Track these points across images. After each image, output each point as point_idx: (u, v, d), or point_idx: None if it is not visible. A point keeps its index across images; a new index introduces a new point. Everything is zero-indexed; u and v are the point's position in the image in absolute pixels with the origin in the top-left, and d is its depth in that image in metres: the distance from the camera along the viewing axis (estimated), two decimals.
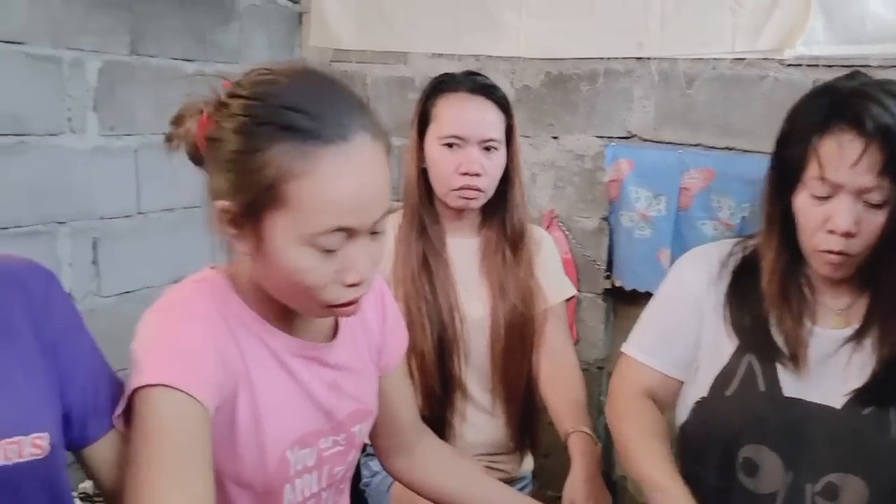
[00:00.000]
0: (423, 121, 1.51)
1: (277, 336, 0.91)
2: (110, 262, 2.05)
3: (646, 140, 2.18)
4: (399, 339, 1.10)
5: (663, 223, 2.15)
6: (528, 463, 1.67)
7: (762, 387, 1.12)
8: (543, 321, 1.55)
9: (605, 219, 2.25)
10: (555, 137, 2.27)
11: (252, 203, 0.81)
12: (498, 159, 1.48)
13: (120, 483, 0.89)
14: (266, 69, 0.85)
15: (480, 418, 1.55)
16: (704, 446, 1.17)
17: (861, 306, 1.11)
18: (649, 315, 1.29)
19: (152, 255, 2.18)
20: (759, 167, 1.16)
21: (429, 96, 1.51)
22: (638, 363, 1.26)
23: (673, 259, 2.15)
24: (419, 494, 1.15)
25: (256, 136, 0.80)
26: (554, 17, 2.23)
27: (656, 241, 2.17)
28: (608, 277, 2.28)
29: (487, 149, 1.47)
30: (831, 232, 1.03)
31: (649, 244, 2.18)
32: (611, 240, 2.26)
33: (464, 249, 1.54)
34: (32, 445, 0.76)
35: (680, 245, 2.15)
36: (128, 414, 0.83)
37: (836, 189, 1.02)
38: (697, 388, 1.18)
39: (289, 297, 0.86)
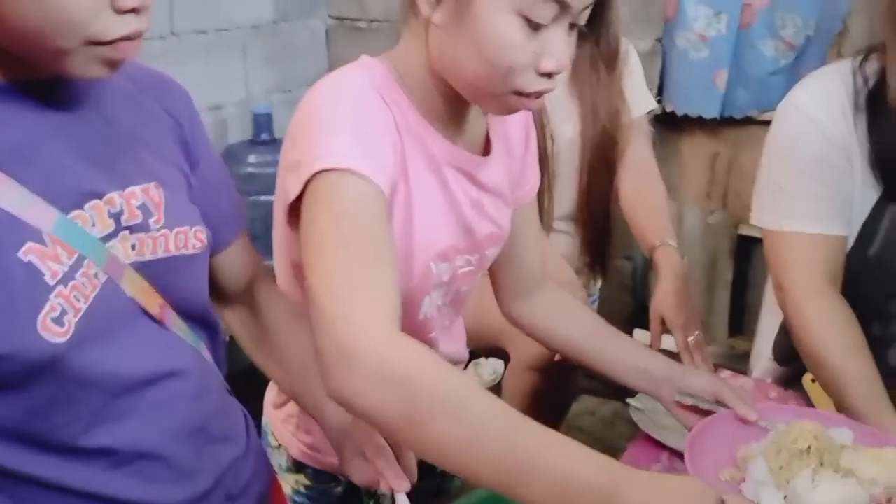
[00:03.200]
0: None
1: (438, 140, 0.85)
2: None
3: None
4: (534, 173, 1.03)
5: (722, 44, 2.07)
6: (598, 283, 1.70)
7: None
8: (627, 135, 1.51)
9: (659, 40, 2.16)
10: None
11: None
12: None
13: (241, 286, 0.92)
14: None
15: (558, 240, 1.55)
16: (853, 301, 1.07)
17: None
18: (800, 179, 1.07)
19: (185, 80, 2.08)
20: None
21: None
22: (809, 237, 1.06)
23: (730, 82, 2.10)
24: (533, 338, 1.10)
25: None
26: None
27: (713, 63, 2.09)
28: (658, 102, 2.22)
29: None
30: None
31: (706, 67, 2.11)
32: (663, 63, 2.18)
33: None
34: (195, 238, 0.76)
35: (738, 67, 2.09)
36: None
37: None
38: None
39: (475, 81, 0.79)
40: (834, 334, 1.03)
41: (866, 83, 1.04)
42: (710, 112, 2.15)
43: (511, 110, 0.83)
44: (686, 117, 2.20)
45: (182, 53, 2.04)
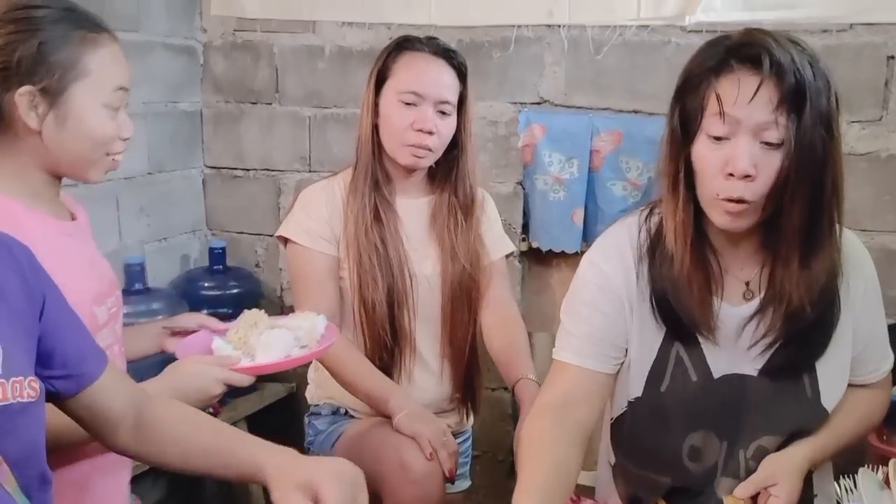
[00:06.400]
0: (380, 77, 1.54)
1: (48, 220, 1.10)
2: None
3: (557, 105, 2.26)
4: None
5: (576, 185, 2.24)
6: (471, 419, 1.73)
7: (694, 376, 1.14)
8: (488, 277, 1.60)
9: (520, 183, 2.32)
10: None
11: (58, 80, 1.04)
12: (450, 123, 1.54)
13: (126, 410, 0.97)
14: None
15: (427, 379, 1.59)
16: (644, 443, 1.18)
17: (763, 276, 1.12)
18: (575, 320, 1.19)
19: None
20: (663, 128, 1.17)
21: (389, 53, 1.54)
22: (568, 365, 1.17)
23: (587, 219, 2.27)
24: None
25: (50, 30, 1.04)
26: None
27: (570, 202, 2.26)
28: (524, 240, 2.35)
29: (442, 112, 1.51)
30: (730, 176, 1.02)
31: (563, 206, 2.27)
32: (526, 203, 2.33)
33: (412, 209, 1.57)
34: (30, 387, 0.80)
35: (593, 204, 2.26)
36: None
37: (734, 127, 1.01)
38: (631, 387, 1.17)
39: (84, 157, 1.09)
40: (534, 444, 1.10)
41: (649, 234, 1.16)
42: (572, 247, 2.29)
43: (109, 168, 1.15)
44: (551, 252, 2.34)
45: None
